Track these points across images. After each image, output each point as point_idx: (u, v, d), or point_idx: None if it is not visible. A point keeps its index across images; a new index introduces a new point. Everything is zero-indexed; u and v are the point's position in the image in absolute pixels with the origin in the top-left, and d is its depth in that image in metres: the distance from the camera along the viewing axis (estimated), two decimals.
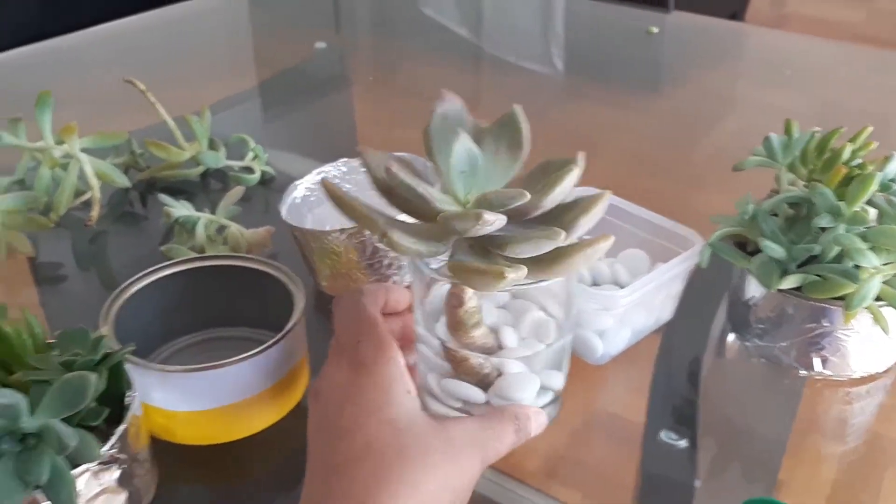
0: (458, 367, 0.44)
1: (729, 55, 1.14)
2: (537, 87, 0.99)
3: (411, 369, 0.47)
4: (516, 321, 0.45)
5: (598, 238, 0.40)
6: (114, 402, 0.43)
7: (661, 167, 0.82)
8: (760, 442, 0.52)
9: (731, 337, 0.59)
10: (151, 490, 0.46)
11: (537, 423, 0.44)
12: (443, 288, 0.43)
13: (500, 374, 0.44)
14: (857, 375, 0.54)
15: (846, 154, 0.52)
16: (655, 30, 1.14)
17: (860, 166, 0.53)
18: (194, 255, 0.58)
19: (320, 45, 1.11)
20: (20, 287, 0.66)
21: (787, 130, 0.56)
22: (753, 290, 0.55)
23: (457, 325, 0.42)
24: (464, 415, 0.45)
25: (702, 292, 0.62)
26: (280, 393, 0.50)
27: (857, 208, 0.50)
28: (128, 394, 0.44)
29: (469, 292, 0.41)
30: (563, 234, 0.38)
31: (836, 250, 0.50)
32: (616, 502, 0.48)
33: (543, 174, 0.41)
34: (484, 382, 0.44)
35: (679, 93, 1.01)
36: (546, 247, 0.38)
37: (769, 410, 0.54)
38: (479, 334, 0.43)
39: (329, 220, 0.61)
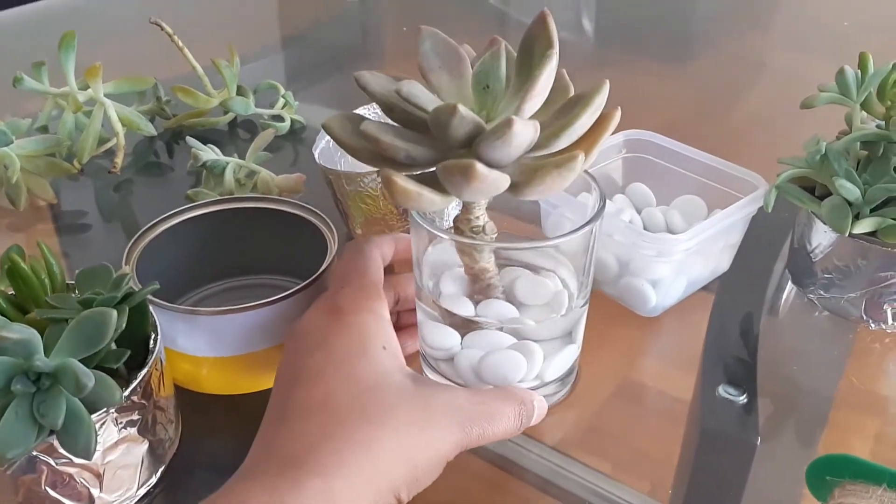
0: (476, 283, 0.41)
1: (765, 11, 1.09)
2: (564, 53, 0.93)
3: (410, 331, 0.45)
4: (527, 290, 0.43)
5: (572, 152, 0.36)
6: (136, 347, 0.40)
7: (701, 134, 0.77)
8: (824, 399, 0.48)
9: (792, 289, 0.55)
10: (175, 441, 0.44)
11: (539, 411, 0.40)
12: (443, 243, 0.41)
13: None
14: None
15: None
16: None
17: None
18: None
19: None
20: (41, 236, 0.64)
21: (862, 64, 0.51)
22: (820, 237, 0.51)
23: (463, 249, 0.40)
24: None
25: (760, 243, 0.58)
26: None
27: None
28: (152, 336, 0.41)
29: (476, 210, 0.39)
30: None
31: None
32: (665, 454, 0.44)
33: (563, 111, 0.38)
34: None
35: (713, 57, 0.96)
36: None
37: (834, 366, 0.50)
38: (483, 268, 0.41)
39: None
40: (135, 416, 0.39)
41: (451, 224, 0.41)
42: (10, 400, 0.35)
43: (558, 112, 0.38)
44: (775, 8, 1.11)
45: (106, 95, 0.68)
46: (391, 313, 0.42)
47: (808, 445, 0.46)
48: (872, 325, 0.51)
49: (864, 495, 0.36)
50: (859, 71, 0.51)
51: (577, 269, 0.42)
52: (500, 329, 0.42)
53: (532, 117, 0.37)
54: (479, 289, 0.42)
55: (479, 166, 0.34)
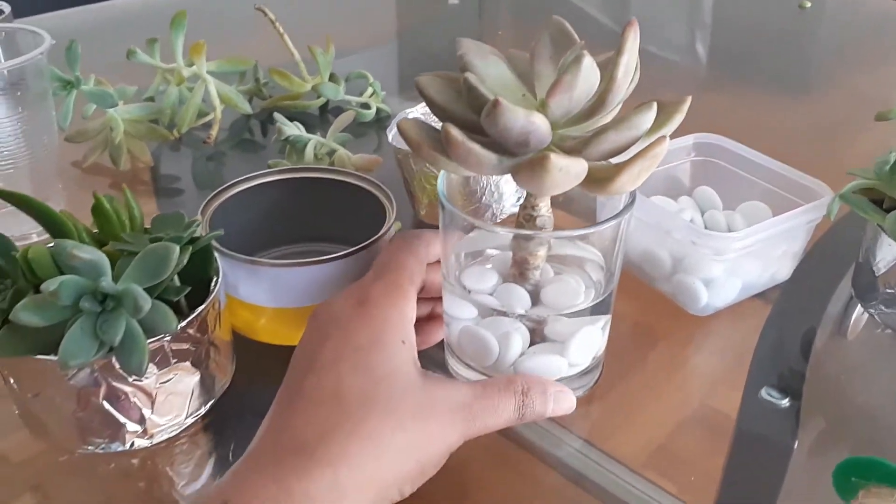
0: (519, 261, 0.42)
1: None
2: (671, 76, 0.91)
3: (437, 322, 0.46)
4: (554, 293, 0.43)
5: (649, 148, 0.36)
6: (200, 289, 0.43)
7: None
8: (871, 416, 0.47)
9: (854, 304, 0.54)
10: (227, 381, 0.46)
11: (563, 403, 0.39)
12: (474, 234, 0.42)
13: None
14: None
15: None
16: (808, 4, 1.06)
17: None
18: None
19: (454, 0, 1.11)
20: (139, 195, 0.68)
21: None
22: (884, 251, 0.50)
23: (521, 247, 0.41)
24: (483, 377, 0.42)
25: (826, 255, 0.57)
26: None
27: None
28: (214, 279, 0.44)
29: (541, 206, 0.40)
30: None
31: None
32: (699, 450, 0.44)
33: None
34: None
35: (830, 94, 0.92)
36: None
37: (888, 384, 0.49)
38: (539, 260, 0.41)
39: None
40: (189, 348, 0.42)
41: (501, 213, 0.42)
42: (78, 317, 0.38)
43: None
44: None
45: (209, 73, 0.73)
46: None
47: (846, 454, 0.45)
48: None
49: (889, 498, 0.35)
50: None
51: (606, 259, 0.42)
52: (523, 317, 0.42)
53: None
54: (516, 274, 0.42)
55: (554, 157, 0.35)
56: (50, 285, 0.37)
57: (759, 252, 0.50)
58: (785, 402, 0.47)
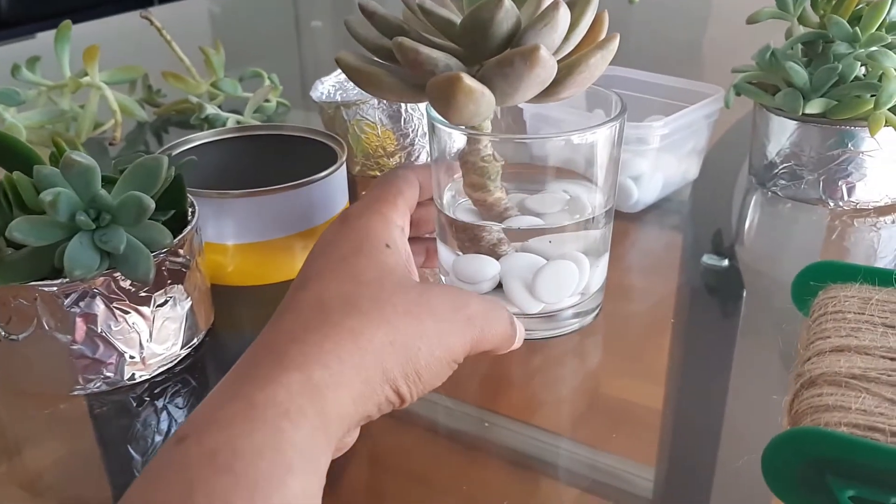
0: (473, 243, 0.41)
1: None
2: None
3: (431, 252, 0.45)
4: (538, 202, 0.43)
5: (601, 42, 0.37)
6: (172, 228, 0.43)
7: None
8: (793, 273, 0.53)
9: (757, 189, 0.61)
10: (210, 318, 0.46)
11: (520, 334, 0.38)
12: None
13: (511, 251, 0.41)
14: (884, 203, 0.56)
15: None
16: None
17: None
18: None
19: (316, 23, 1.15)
20: None
21: None
22: (775, 128, 0.57)
23: (475, 182, 0.40)
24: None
25: (725, 155, 0.64)
26: None
27: (872, 32, 0.53)
28: (189, 210, 0.44)
29: (484, 139, 0.39)
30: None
31: (856, 70, 0.53)
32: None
33: None
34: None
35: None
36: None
37: (801, 244, 0.56)
38: (498, 197, 0.41)
39: None
40: (181, 269, 0.42)
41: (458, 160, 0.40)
42: (74, 233, 0.38)
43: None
44: None
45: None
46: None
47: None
48: (831, 204, 0.56)
49: (846, 290, 0.41)
50: None
51: (601, 176, 0.42)
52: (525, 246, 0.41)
53: None
54: (494, 217, 0.42)
55: (543, 49, 0.34)
56: (47, 195, 0.36)
57: (672, 146, 0.56)
58: (724, 262, 0.52)
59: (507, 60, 0.35)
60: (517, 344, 0.38)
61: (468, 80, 0.34)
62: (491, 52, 0.36)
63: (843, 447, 0.30)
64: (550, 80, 0.36)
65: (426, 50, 0.35)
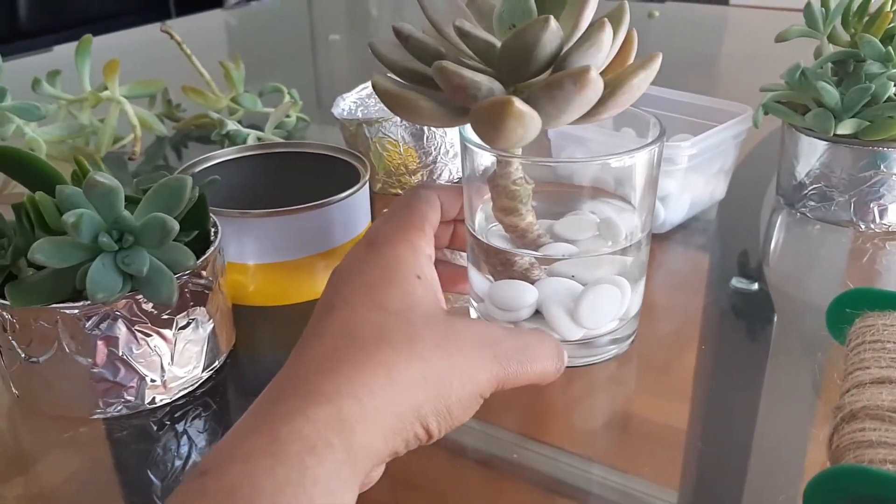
0: (505, 268, 0.40)
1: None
2: None
3: (460, 274, 0.44)
4: (569, 226, 0.42)
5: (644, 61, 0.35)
6: (194, 249, 0.42)
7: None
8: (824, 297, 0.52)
9: (785, 209, 0.59)
10: (231, 339, 0.45)
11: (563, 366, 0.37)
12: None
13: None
14: None
15: (890, 5, 0.54)
16: (657, 13, 1.18)
17: None
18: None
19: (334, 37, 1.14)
20: None
21: (824, 2, 0.58)
22: (805, 148, 0.56)
23: (506, 207, 0.39)
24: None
25: (752, 174, 0.63)
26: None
27: None
28: (212, 231, 0.44)
29: (515, 162, 0.38)
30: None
31: (889, 90, 0.52)
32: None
33: None
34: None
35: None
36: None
37: (830, 266, 0.55)
38: (530, 222, 0.39)
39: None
40: (204, 291, 0.41)
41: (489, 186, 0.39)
42: (97, 255, 0.37)
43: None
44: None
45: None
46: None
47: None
48: (862, 227, 0.55)
49: (884, 318, 0.40)
50: (823, 9, 0.58)
51: (638, 199, 0.41)
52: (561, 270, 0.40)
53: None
54: (527, 242, 0.40)
55: (594, 71, 0.33)
56: (70, 217, 0.36)
57: (700, 166, 0.55)
58: (754, 286, 0.51)
59: (556, 83, 0.33)
60: (557, 375, 0.36)
61: (519, 105, 0.33)
62: (531, 73, 0.35)
63: (889, 486, 0.29)
64: (595, 102, 0.35)
65: (469, 74, 0.34)
